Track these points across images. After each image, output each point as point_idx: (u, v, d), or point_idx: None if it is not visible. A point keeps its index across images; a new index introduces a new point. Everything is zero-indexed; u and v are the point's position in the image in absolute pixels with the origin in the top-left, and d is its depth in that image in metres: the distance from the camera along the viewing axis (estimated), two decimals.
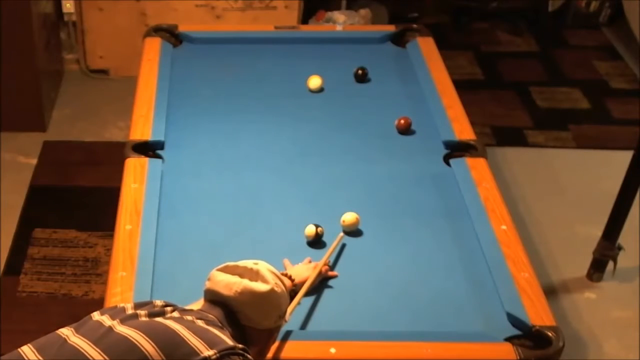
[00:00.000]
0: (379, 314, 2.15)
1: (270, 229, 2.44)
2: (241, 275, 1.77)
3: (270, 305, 1.78)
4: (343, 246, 2.37)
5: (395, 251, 2.37)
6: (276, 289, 1.78)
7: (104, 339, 1.61)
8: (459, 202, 2.55)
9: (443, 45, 3.48)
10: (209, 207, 2.52)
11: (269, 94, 3.10)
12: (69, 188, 3.77)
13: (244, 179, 2.66)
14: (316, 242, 2.35)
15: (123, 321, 1.67)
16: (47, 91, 4.18)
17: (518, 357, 1.99)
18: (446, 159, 2.74)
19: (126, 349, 1.59)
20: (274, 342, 1.92)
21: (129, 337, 1.60)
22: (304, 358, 1.99)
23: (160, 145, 2.74)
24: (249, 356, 1.66)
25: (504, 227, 2.42)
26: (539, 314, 2.11)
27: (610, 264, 3.33)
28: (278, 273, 1.84)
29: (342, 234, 2.38)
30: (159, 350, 1.59)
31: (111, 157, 3.72)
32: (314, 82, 3.10)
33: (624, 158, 3.23)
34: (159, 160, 2.67)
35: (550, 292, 3.25)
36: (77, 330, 1.66)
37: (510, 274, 2.24)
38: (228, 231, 2.42)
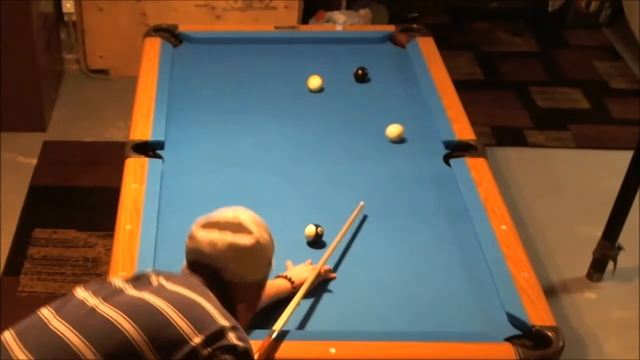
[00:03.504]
0: (379, 314, 2.15)
1: (270, 228, 2.43)
2: (223, 229, 1.73)
3: (257, 257, 1.75)
4: (343, 246, 2.36)
5: (395, 251, 2.37)
6: (261, 240, 1.75)
7: (85, 322, 1.59)
8: (459, 202, 2.55)
9: (443, 45, 3.47)
10: (209, 207, 2.48)
11: (269, 94, 3.10)
12: (69, 188, 3.77)
13: (244, 178, 2.66)
14: (316, 242, 2.35)
15: (107, 299, 1.64)
16: (47, 91, 4.18)
17: (518, 357, 1.99)
18: (446, 159, 2.74)
19: (107, 333, 1.56)
20: (263, 292, 1.88)
21: (110, 319, 1.58)
22: (304, 358, 1.99)
23: (160, 145, 2.74)
24: (237, 342, 1.62)
25: (504, 227, 2.42)
26: (539, 314, 2.11)
27: (610, 264, 3.33)
28: (261, 220, 1.80)
29: (362, 203, 2.35)
30: (141, 332, 1.56)
31: (111, 157, 3.73)
32: (314, 82, 3.10)
33: (624, 158, 3.23)
34: (159, 160, 2.67)
35: (550, 292, 3.25)
36: (58, 312, 1.63)
37: (510, 274, 2.24)
38: None
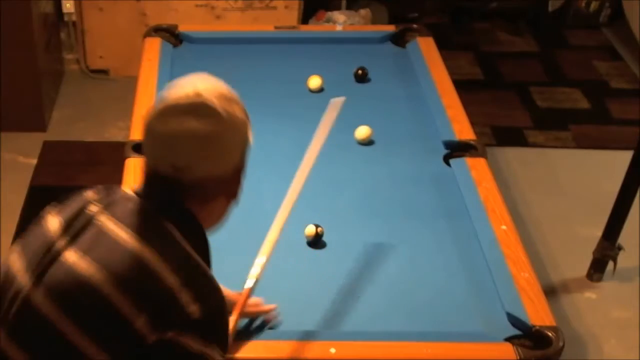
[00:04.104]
0: (379, 314, 2.15)
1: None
2: (183, 116, 1.42)
3: (229, 142, 1.46)
4: (343, 246, 2.36)
5: (395, 251, 2.37)
6: (230, 120, 1.44)
7: (16, 324, 1.40)
8: (459, 202, 2.54)
9: (443, 45, 3.47)
10: None
11: (269, 94, 3.09)
12: (69, 188, 3.72)
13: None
14: (316, 242, 2.35)
15: (39, 276, 1.41)
16: (47, 91, 4.18)
17: (518, 357, 1.99)
18: (446, 159, 2.74)
19: (40, 335, 1.38)
20: (244, 174, 1.58)
21: (40, 314, 1.38)
22: (304, 358, 1.99)
23: None
24: (191, 307, 1.37)
25: (504, 227, 2.42)
26: (539, 314, 2.11)
27: (610, 264, 3.33)
28: (228, 89, 1.50)
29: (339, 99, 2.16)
30: (76, 326, 1.36)
31: (111, 157, 3.72)
32: (314, 82, 3.10)
33: (624, 158, 3.23)
34: None
35: (550, 292, 3.25)
36: None
37: (510, 274, 2.24)
38: (227, 231, 2.41)
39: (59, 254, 1.44)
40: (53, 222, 1.52)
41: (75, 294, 1.39)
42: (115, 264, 1.39)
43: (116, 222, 1.45)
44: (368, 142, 2.81)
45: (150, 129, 1.47)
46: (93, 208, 1.50)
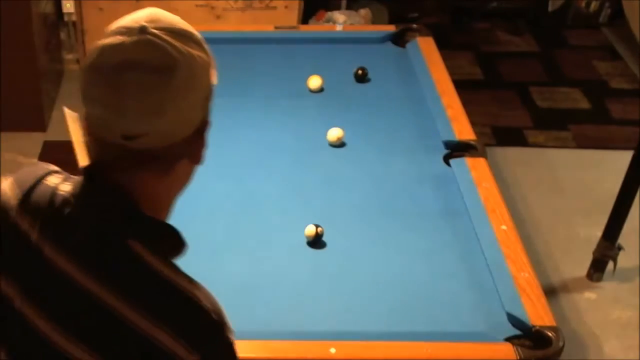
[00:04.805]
0: (378, 314, 2.15)
1: (270, 229, 2.44)
2: (128, 64, 1.07)
3: (188, 94, 1.10)
4: (343, 246, 2.36)
5: (395, 251, 2.37)
6: (186, 63, 1.09)
7: None
8: (459, 202, 2.54)
9: (443, 45, 3.47)
10: (208, 207, 2.51)
11: (268, 94, 3.10)
12: None
13: (244, 179, 2.66)
14: (316, 242, 2.35)
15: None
16: (47, 91, 4.18)
17: (518, 357, 1.99)
18: (446, 159, 2.74)
19: None
20: (208, 132, 1.22)
21: None
22: (304, 358, 1.99)
23: None
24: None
25: (504, 227, 2.42)
26: (539, 314, 2.11)
27: (610, 264, 3.33)
28: (181, 23, 1.17)
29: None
30: None
31: None
32: (314, 82, 3.10)
33: (624, 158, 3.23)
34: None
35: (550, 292, 3.25)
36: None
37: (510, 274, 2.24)
38: (227, 232, 2.42)
39: (17, 311, 1.11)
40: None
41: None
42: (85, 328, 1.07)
43: (68, 257, 1.09)
44: (339, 144, 2.80)
45: (85, 88, 1.12)
46: (27, 229, 1.11)
